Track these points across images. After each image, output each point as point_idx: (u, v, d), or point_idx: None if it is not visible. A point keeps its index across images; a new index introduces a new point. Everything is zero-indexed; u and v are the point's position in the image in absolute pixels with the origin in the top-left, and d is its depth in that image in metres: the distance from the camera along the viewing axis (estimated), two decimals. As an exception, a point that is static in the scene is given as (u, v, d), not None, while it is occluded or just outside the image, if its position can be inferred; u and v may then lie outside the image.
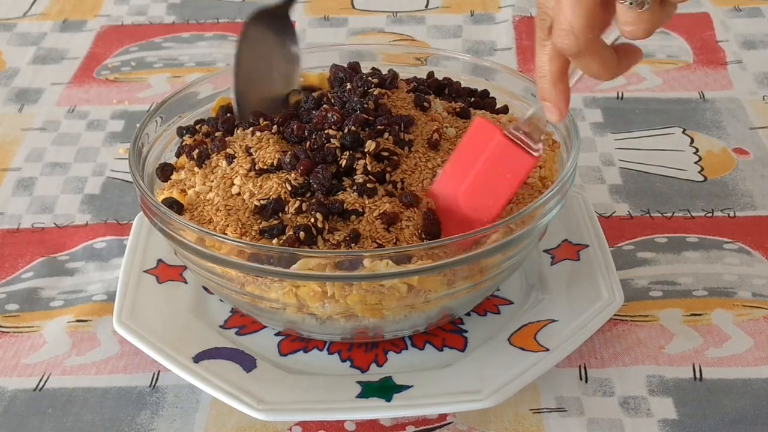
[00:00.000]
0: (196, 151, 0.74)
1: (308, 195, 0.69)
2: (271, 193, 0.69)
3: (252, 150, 0.72)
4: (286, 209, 0.68)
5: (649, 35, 0.57)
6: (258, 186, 0.69)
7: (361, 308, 0.66)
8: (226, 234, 0.67)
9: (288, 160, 0.70)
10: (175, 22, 1.21)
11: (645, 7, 0.55)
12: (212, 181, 0.71)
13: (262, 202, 0.68)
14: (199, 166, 0.73)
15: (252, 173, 0.70)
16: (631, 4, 0.55)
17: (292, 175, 0.69)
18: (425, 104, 0.76)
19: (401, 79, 0.80)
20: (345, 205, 0.67)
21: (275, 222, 0.67)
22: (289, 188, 0.69)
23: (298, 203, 0.67)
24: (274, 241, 0.66)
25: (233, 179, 0.71)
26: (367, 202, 0.68)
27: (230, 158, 0.72)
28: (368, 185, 0.68)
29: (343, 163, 0.69)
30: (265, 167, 0.70)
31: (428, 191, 0.69)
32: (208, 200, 0.70)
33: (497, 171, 0.67)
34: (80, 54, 1.15)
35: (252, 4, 1.24)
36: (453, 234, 0.65)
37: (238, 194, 0.70)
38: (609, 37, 0.60)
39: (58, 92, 1.07)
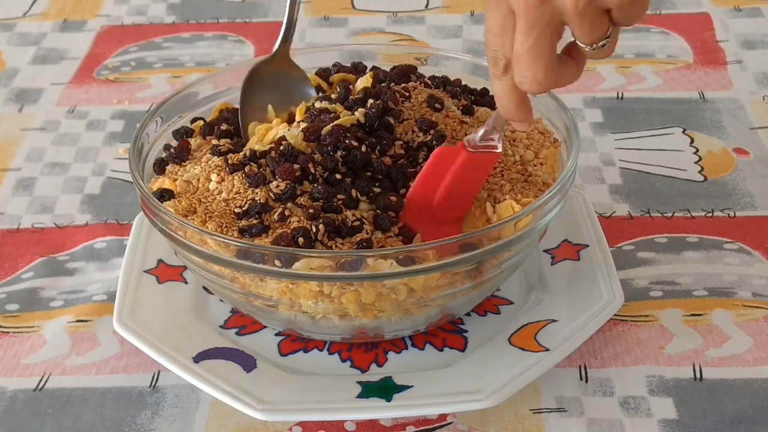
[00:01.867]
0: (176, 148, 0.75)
1: (297, 198, 0.68)
2: (257, 197, 0.68)
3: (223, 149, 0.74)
4: (271, 214, 0.68)
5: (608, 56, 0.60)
6: (233, 187, 0.70)
7: (355, 308, 0.66)
8: (206, 227, 0.67)
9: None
10: (175, 22, 1.21)
11: (605, 43, 0.58)
12: (198, 170, 0.72)
13: (244, 207, 0.68)
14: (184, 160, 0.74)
15: (224, 172, 0.71)
16: (593, 48, 0.58)
17: (274, 183, 0.69)
18: (437, 105, 0.76)
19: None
20: (349, 222, 0.67)
21: (255, 221, 0.67)
22: (273, 196, 0.68)
23: (281, 209, 0.67)
24: (267, 240, 0.66)
25: (210, 174, 0.71)
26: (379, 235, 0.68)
27: (215, 149, 0.73)
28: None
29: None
30: (236, 162, 0.71)
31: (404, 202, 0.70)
32: (197, 189, 0.71)
33: (466, 178, 0.70)
34: (80, 54, 1.15)
35: (252, 4, 1.24)
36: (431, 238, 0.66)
37: (219, 192, 0.70)
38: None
39: (58, 92, 1.07)
